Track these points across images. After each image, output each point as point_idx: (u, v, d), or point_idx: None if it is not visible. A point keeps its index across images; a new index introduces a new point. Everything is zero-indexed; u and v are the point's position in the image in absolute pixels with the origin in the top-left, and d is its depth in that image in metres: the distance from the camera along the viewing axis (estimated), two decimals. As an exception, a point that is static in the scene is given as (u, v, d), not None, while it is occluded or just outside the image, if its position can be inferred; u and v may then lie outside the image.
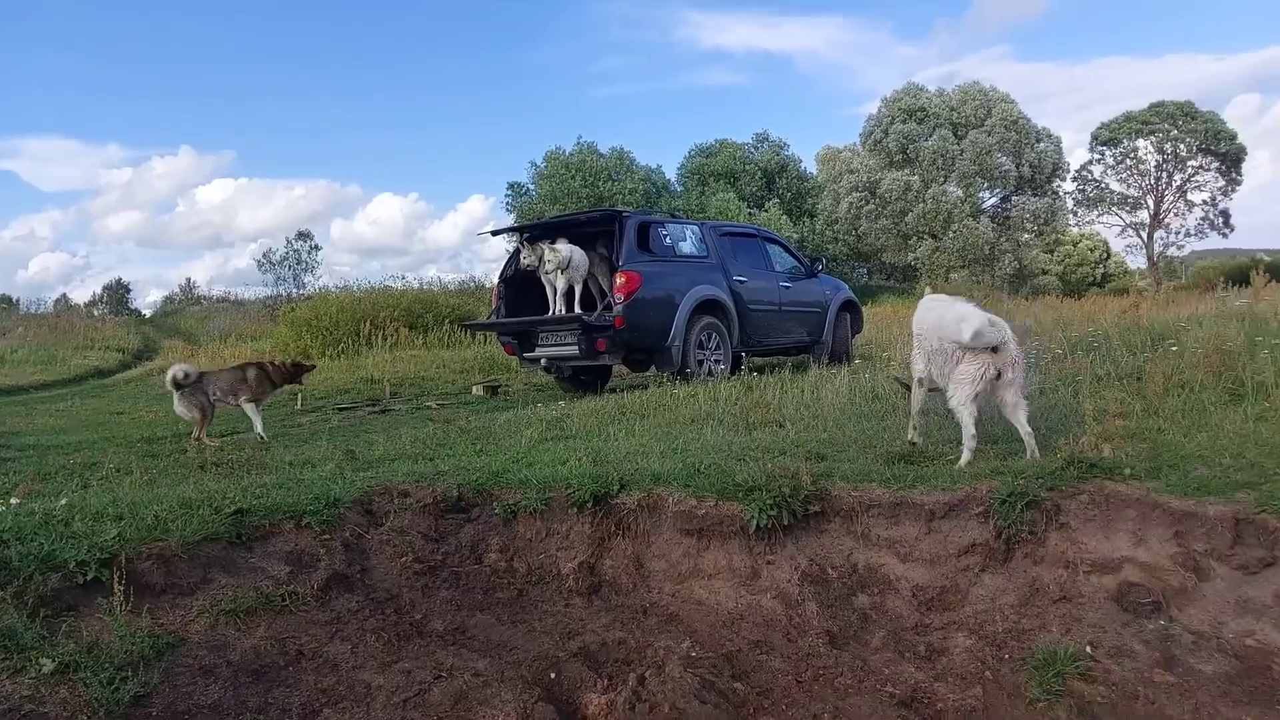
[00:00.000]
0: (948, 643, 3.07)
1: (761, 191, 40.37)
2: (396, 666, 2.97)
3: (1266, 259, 27.73)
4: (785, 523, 3.58)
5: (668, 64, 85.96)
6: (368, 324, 14.39)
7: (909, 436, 4.41)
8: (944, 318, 3.98)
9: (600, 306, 9.39)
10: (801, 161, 43.47)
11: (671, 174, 42.28)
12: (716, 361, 9.41)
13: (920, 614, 3.28)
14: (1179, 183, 39.26)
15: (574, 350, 8.91)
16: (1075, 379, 5.36)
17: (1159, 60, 74.73)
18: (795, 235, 36.45)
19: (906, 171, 36.00)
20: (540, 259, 9.08)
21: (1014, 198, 37.07)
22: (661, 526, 3.85)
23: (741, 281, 9.88)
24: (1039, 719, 2.68)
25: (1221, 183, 39.06)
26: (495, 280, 10.57)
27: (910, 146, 36.36)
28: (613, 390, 9.58)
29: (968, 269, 36.00)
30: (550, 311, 9.37)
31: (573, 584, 3.75)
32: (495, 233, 12.11)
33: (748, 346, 9.95)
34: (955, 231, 35.22)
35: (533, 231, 10.17)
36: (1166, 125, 38.19)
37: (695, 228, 9.91)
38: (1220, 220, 39.69)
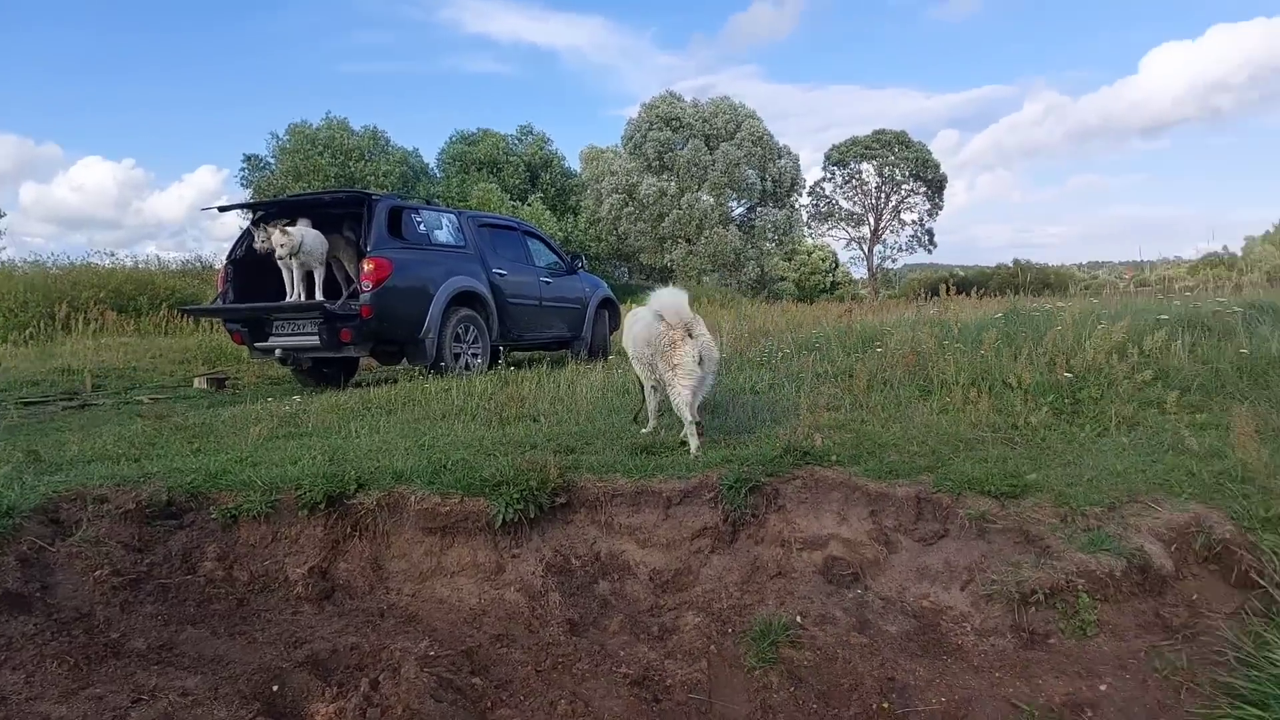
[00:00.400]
0: (679, 622, 3.25)
1: (525, 185, 40.30)
2: (85, 693, 2.60)
3: (961, 273, 32.53)
4: (532, 516, 3.60)
5: (429, 45, 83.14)
6: (65, 305, 12.42)
7: (648, 427, 4.63)
8: (663, 303, 4.17)
9: (345, 294, 8.86)
10: (566, 158, 44.07)
11: (431, 159, 41.05)
12: (474, 355, 9.24)
13: (656, 596, 3.45)
14: (895, 203, 44.89)
15: (314, 341, 8.30)
16: (799, 376, 5.91)
17: (882, 91, 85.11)
18: (559, 232, 36.85)
19: (664, 177, 37.79)
20: (270, 241, 8.37)
21: (758, 209, 40.25)
22: (403, 526, 3.71)
23: (501, 274, 9.80)
24: (755, 685, 2.91)
25: (928, 205, 45.25)
26: (223, 261, 9.56)
27: (667, 154, 38.19)
28: (358, 384, 9.09)
29: (717, 273, 38.53)
30: (288, 298, 8.69)
31: (302, 590, 3.50)
32: (224, 208, 11.10)
33: (507, 341, 9.89)
34: (706, 237, 37.53)
35: (268, 210, 9.34)
36: (885, 151, 43.51)
37: (453, 216, 9.66)
38: (927, 238, 45.97)
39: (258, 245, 8.58)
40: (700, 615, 3.26)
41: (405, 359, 9.07)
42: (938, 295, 13.48)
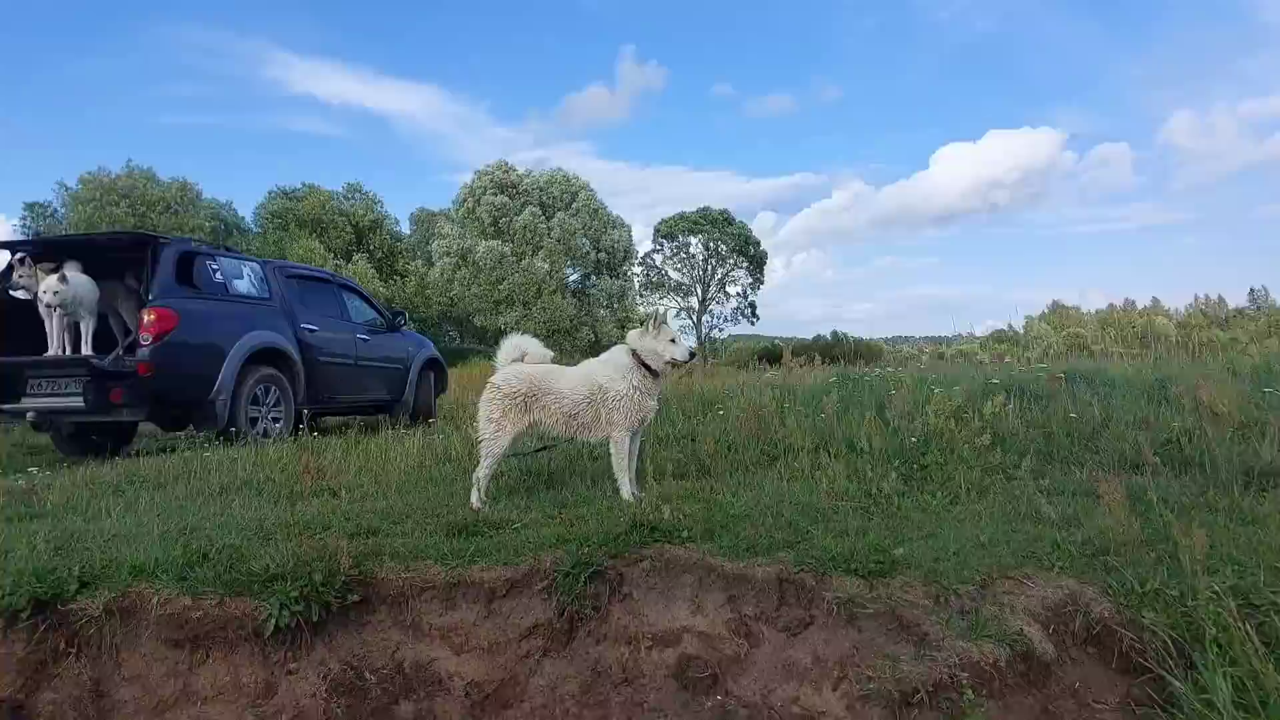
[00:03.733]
0: (502, 752, 2.61)
1: (350, 245, 38.51)
2: None
3: (781, 344, 34.03)
4: (316, 619, 2.85)
5: (252, 101, 78.29)
6: None
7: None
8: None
9: (119, 348, 7.58)
10: (398, 221, 42.64)
11: (248, 214, 38.42)
12: (275, 420, 8.14)
13: (474, 717, 2.77)
14: (720, 276, 46.67)
15: (77, 402, 6.97)
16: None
17: (707, 173, 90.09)
18: (386, 294, 35.28)
19: (499, 242, 37.26)
20: (34, 283, 7.06)
21: (593, 277, 40.51)
22: (139, 638, 2.84)
23: (311, 330, 8.78)
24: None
25: (750, 280, 47.33)
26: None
27: (502, 219, 37.77)
28: (136, 454, 7.73)
29: (551, 338, 38.13)
30: (50, 350, 7.32)
31: (-27, 741, 2.54)
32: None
33: (317, 404, 8.82)
34: (543, 303, 37.17)
35: (32, 250, 7.92)
36: (711, 228, 45.39)
37: (256, 265, 8.60)
38: (750, 310, 47.94)
39: (17, 286, 7.20)
40: (529, 741, 2.63)
41: (192, 424, 7.84)
42: (771, 361, 13.74)
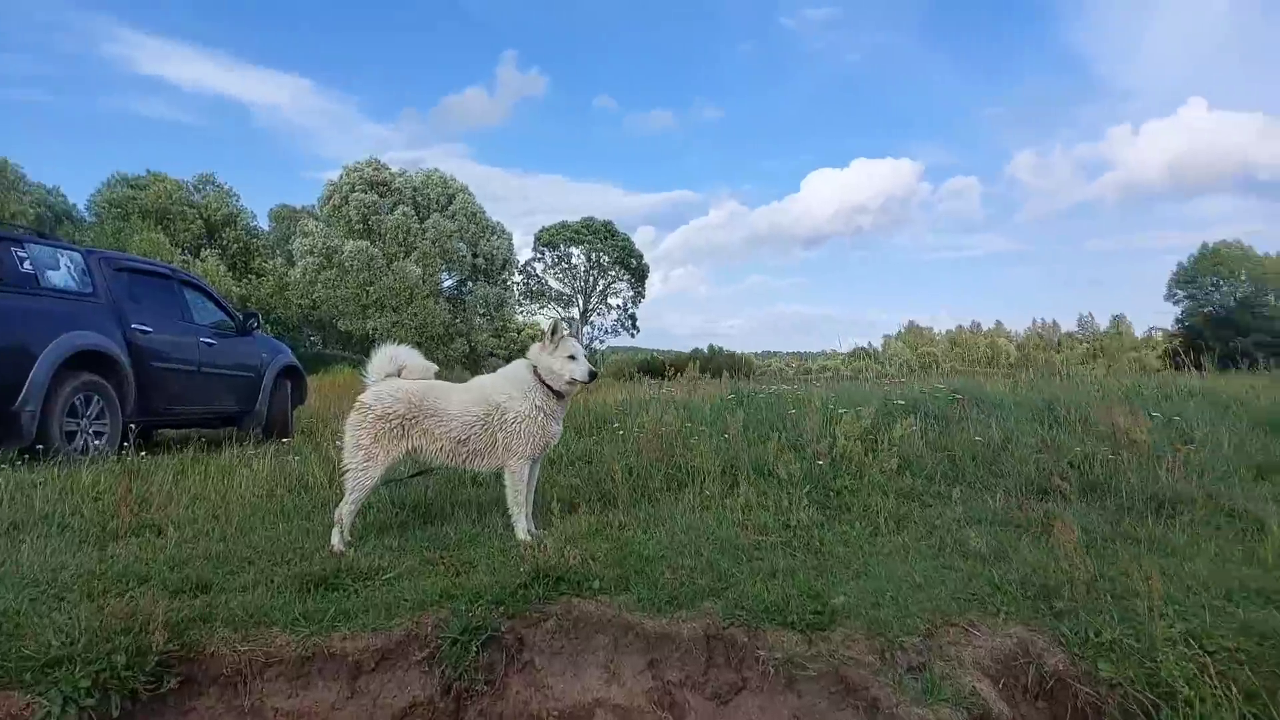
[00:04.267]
0: None
1: (200, 239, 35.67)
2: None
3: (660, 356, 34.01)
4: (117, 713, 2.16)
5: (91, 81, 71.19)
6: None
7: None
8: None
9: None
10: (255, 216, 39.87)
11: (81, 201, 34.88)
12: (98, 434, 7.01)
13: (331, 833, 2.18)
14: (602, 287, 46.37)
15: None
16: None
17: (588, 185, 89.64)
18: (240, 293, 32.79)
19: (368, 242, 35.45)
20: None
21: (469, 283, 39.25)
22: None
23: (144, 331, 7.67)
24: None
25: (632, 292, 47.27)
26: None
27: (372, 218, 35.99)
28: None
29: (424, 345, 36.56)
30: None
31: None
32: None
33: (151, 416, 7.72)
34: (414, 309, 35.62)
35: None
36: (594, 238, 45.07)
37: (77, 255, 7.42)
38: (630, 323, 47.86)
39: None
40: None
41: (-9, 440, 6.63)
42: (654, 375, 13.44)
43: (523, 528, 3.50)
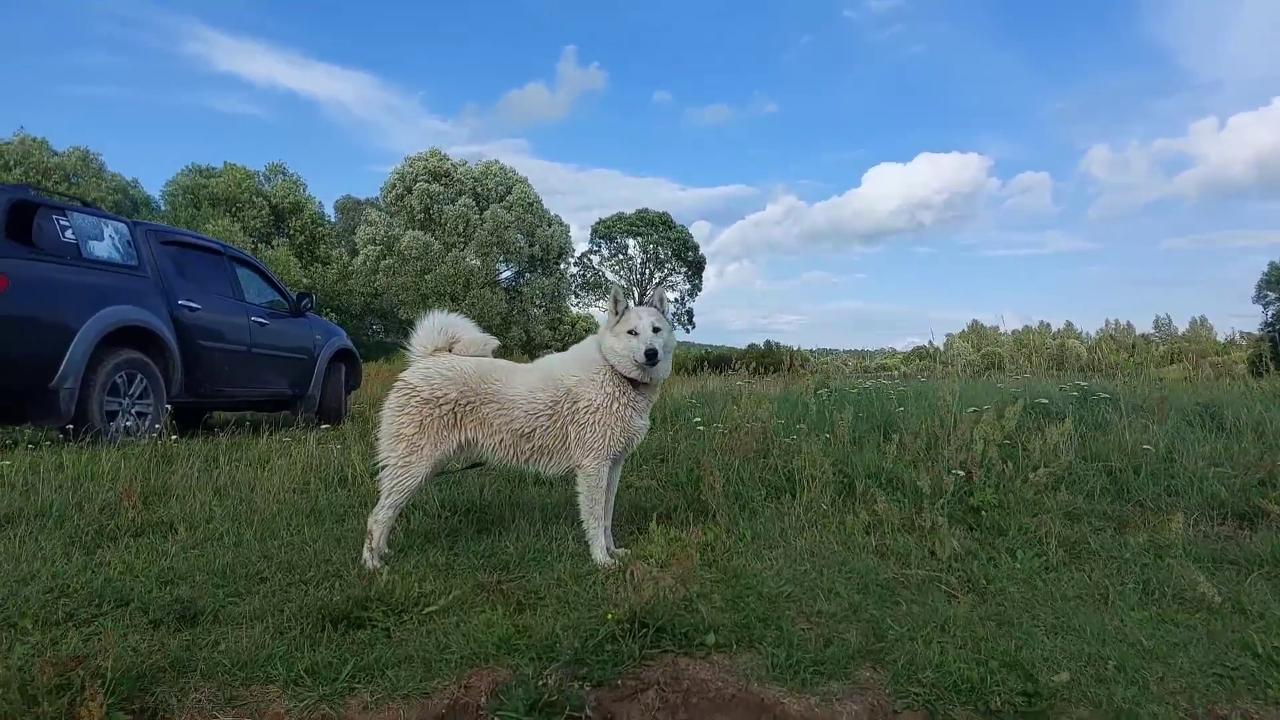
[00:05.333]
0: None
1: (269, 227, 36.05)
2: None
3: (714, 352, 33.14)
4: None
5: (170, 77, 73.03)
6: None
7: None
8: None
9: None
10: (320, 204, 40.21)
11: (157, 191, 35.68)
12: (140, 415, 6.57)
13: None
14: (658, 280, 45.62)
15: None
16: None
17: (643, 179, 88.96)
18: (307, 282, 33.00)
19: (426, 232, 35.37)
20: None
21: (526, 274, 38.95)
22: None
23: (192, 308, 7.21)
24: None
25: (689, 286, 46.38)
26: None
27: (433, 207, 35.92)
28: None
29: (482, 336, 36.33)
30: None
31: None
32: None
33: (198, 397, 7.26)
34: (472, 298, 35.45)
35: None
36: (650, 230, 44.34)
37: (122, 225, 6.98)
38: (687, 317, 46.96)
39: None
40: None
41: (29, 417, 6.23)
42: (720, 369, 12.66)
43: (601, 547, 2.79)
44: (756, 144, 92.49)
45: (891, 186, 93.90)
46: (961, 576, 2.75)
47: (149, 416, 6.57)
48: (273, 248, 33.10)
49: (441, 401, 2.79)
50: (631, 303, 2.96)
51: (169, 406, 6.30)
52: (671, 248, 45.27)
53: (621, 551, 2.83)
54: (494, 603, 2.25)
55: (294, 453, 4.59)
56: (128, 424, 6.39)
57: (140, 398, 6.59)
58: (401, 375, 2.88)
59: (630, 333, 2.81)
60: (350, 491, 3.78)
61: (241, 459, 4.61)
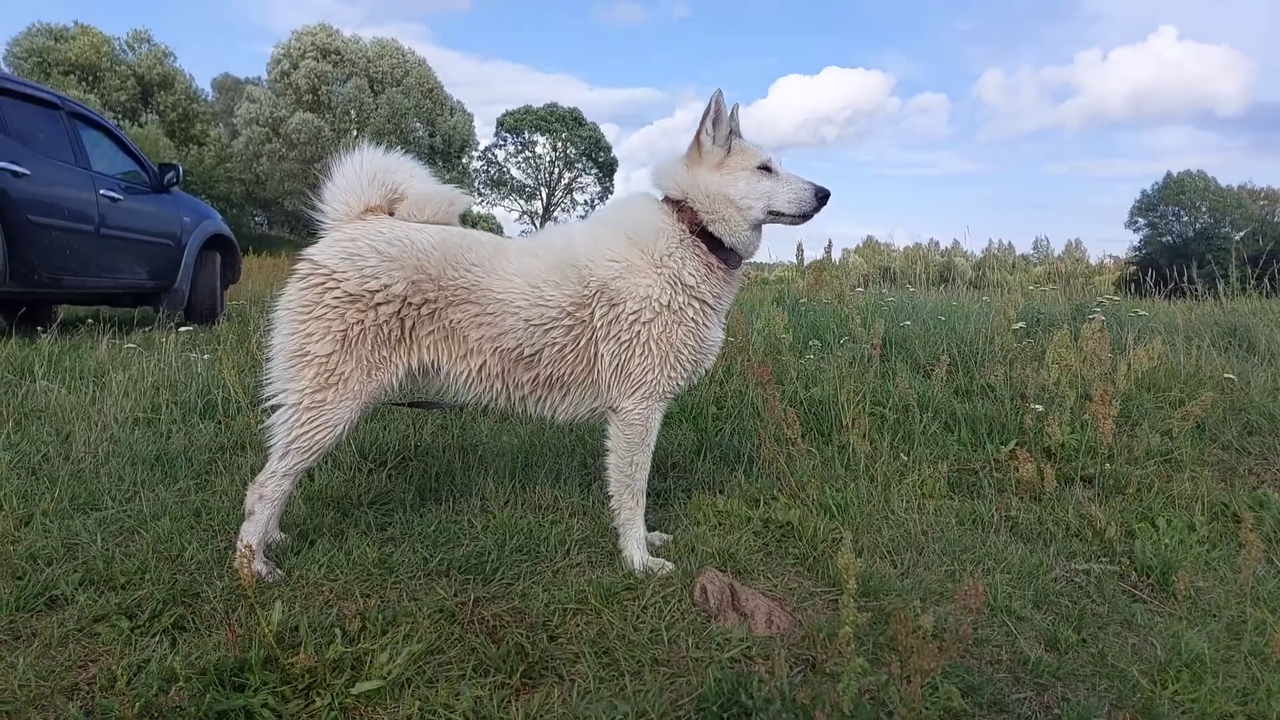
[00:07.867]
0: None
1: (135, 101, 32.07)
2: None
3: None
4: None
5: None
6: None
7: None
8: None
9: None
10: (194, 79, 35.98)
11: (-4, 52, 30.90)
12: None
13: None
14: (567, 180, 43.65)
15: None
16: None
17: (549, 76, 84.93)
18: (179, 164, 29.63)
19: (315, 115, 32.19)
20: None
21: (425, 167, 36.43)
22: None
23: (18, 173, 5.63)
24: None
25: (599, 187, 44.60)
26: None
27: (322, 89, 32.62)
28: None
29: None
30: None
31: None
32: None
33: (29, 287, 5.74)
34: (367, 191, 32.86)
35: None
36: (560, 126, 42.07)
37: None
38: (596, 220, 45.40)
39: None
40: None
41: None
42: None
43: (640, 540, 1.81)
44: (667, 46, 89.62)
45: (797, 99, 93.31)
46: (1124, 564, 1.95)
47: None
48: (140, 125, 29.45)
49: (379, 297, 1.68)
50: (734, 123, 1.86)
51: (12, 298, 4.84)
52: (582, 146, 43.13)
53: (659, 537, 1.88)
54: (477, 657, 1.27)
55: (143, 364, 3.36)
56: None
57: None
58: (306, 252, 1.74)
59: (761, 168, 1.79)
60: (222, 426, 2.66)
61: (70, 370, 3.36)
